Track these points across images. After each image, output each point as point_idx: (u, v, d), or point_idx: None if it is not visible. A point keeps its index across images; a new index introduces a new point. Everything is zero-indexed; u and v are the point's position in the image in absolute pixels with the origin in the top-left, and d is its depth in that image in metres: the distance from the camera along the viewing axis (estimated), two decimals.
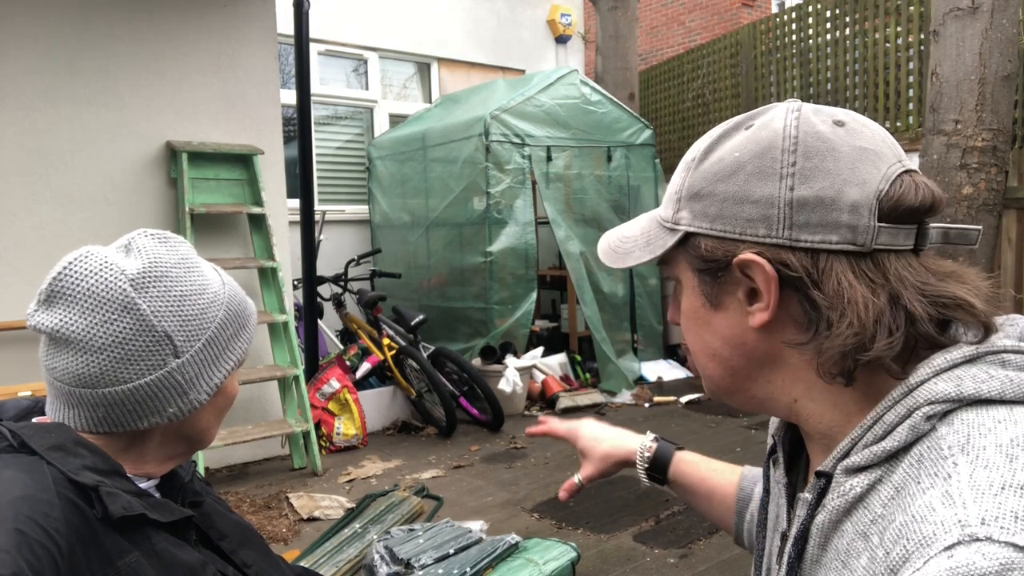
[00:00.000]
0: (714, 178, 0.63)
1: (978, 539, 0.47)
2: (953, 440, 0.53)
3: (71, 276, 0.83)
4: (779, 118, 0.62)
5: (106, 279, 0.83)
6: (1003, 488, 0.49)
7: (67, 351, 0.83)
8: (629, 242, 0.71)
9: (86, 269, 0.83)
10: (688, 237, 0.65)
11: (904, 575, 0.50)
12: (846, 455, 0.60)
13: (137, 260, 0.86)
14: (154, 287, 0.85)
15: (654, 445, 1.09)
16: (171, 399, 0.87)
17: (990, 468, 0.50)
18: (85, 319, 0.82)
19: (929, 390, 0.56)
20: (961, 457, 0.52)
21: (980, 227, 0.62)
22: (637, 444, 1.09)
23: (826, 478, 0.61)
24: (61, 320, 0.82)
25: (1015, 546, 0.46)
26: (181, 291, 0.87)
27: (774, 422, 0.82)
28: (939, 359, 0.58)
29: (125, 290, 0.83)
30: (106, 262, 0.84)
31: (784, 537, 0.69)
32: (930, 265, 0.60)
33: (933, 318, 0.58)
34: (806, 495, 0.63)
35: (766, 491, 0.77)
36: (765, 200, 0.60)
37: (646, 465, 1.07)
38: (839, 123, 0.61)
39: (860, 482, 0.57)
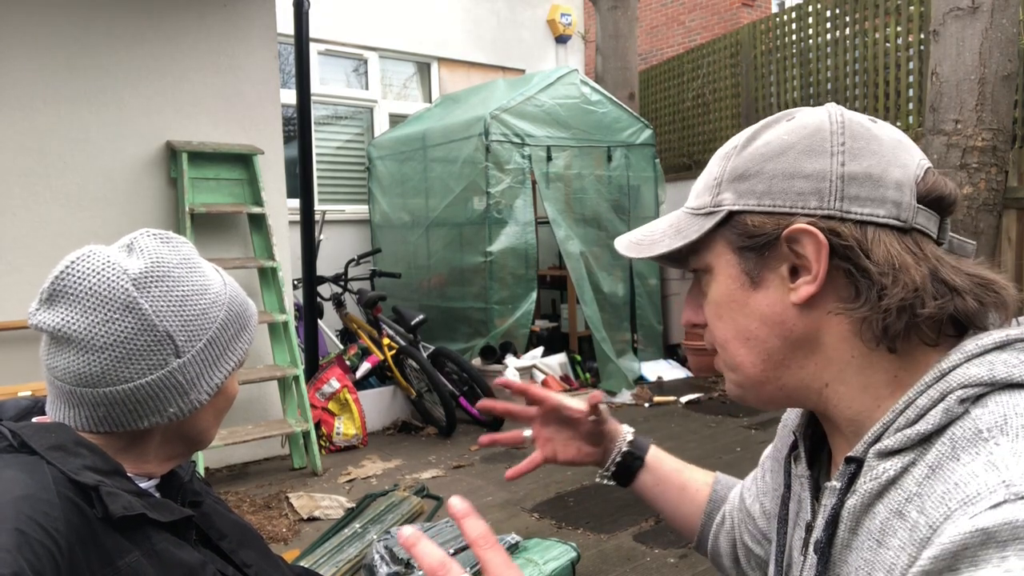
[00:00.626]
0: (762, 159, 0.65)
1: (1022, 496, 0.49)
2: (990, 420, 0.55)
3: (73, 275, 0.83)
4: (821, 111, 0.66)
5: (108, 278, 0.83)
6: None
7: (68, 350, 0.83)
8: (656, 234, 0.72)
9: (88, 268, 0.83)
10: (730, 217, 0.66)
11: (948, 529, 0.51)
12: (877, 439, 0.61)
13: (139, 260, 0.86)
14: (156, 287, 0.85)
15: (632, 433, 1.10)
16: (172, 399, 0.87)
17: None
18: (87, 318, 0.82)
19: (963, 374, 0.58)
20: (1002, 437, 0.54)
21: (974, 244, 0.66)
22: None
23: (856, 464, 0.62)
24: (63, 319, 0.82)
25: None
26: (183, 291, 0.87)
27: (789, 420, 0.83)
28: (970, 345, 0.60)
29: (127, 289, 0.83)
30: (108, 261, 0.84)
31: (809, 528, 0.69)
32: (949, 258, 0.64)
33: (973, 293, 0.61)
34: (834, 483, 0.64)
35: (787, 487, 0.77)
36: (817, 174, 0.63)
37: (624, 448, 1.06)
38: (873, 120, 0.66)
39: (894, 465, 0.59)
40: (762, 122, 0.69)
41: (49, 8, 3.64)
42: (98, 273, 0.83)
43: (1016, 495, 0.49)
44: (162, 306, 0.85)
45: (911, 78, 5.45)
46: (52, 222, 3.67)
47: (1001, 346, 0.59)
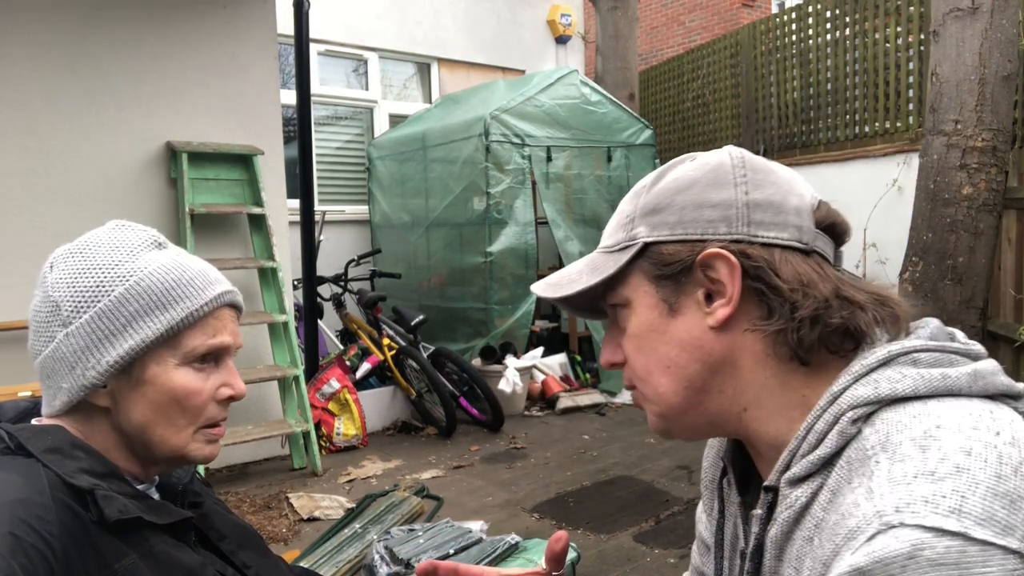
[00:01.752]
0: (672, 192, 0.69)
1: (892, 526, 0.51)
2: (875, 439, 0.58)
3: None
4: (721, 151, 0.71)
5: (47, 260, 0.90)
6: (915, 477, 0.52)
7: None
8: (573, 274, 0.75)
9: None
10: (646, 248, 0.69)
11: (836, 568, 0.53)
12: (787, 467, 0.64)
13: (74, 242, 0.90)
14: (65, 262, 0.88)
15: None
16: (63, 373, 0.85)
17: (904, 460, 0.54)
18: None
19: (851, 395, 0.61)
20: (882, 454, 0.56)
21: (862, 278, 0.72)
22: None
23: (773, 492, 0.65)
24: None
25: (924, 527, 0.49)
26: (85, 265, 0.87)
27: (716, 443, 0.85)
28: (856, 366, 0.62)
29: (46, 266, 0.89)
30: (58, 248, 0.91)
31: (743, 555, 0.71)
32: (849, 277, 0.69)
33: (872, 308, 0.64)
34: (757, 511, 0.66)
35: (721, 512, 0.79)
36: (724, 203, 0.67)
37: None
38: (767, 159, 0.71)
39: (803, 492, 0.61)
40: (666, 164, 0.73)
41: (49, 8, 3.64)
42: (49, 258, 0.90)
43: (887, 524, 0.51)
44: (59, 278, 0.87)
45: (911, 78, 5.45)
46: (52, 222, 3.67)
47: (885, 362, 0.62)
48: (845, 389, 0.61)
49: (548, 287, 0.76)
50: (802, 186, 0.69)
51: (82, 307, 0.85)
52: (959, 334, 0.66)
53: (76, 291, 0.85)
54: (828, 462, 0.60)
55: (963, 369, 0.61)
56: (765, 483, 0.65)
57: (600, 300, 0.74)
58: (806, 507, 0.61)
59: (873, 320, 0.64)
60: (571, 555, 2.33)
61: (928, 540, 0.49)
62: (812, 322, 0.63)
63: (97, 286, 0.85)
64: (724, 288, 0.66)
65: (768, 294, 0.65)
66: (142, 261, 0.88)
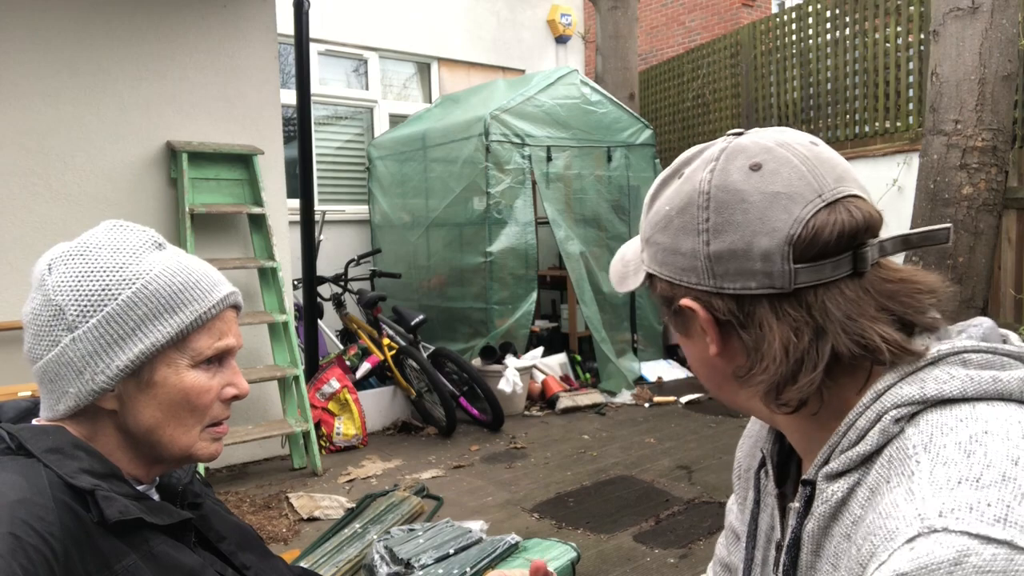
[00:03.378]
0: (655, 228, 0.69)
1: (936, 530, 0.50)
2: (918, 440, 0.57)
3: (34, 266, 0.90)
4: (700, 169, 0.66)
5: (40, 262, 0.88)
6: (959, 482, 0.52)
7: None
8: (627, 266, 0.76)
9: (41, 256, 0.90)
10: (648, 276, 0.71)
11: (871, 568, 0.53)
12: (826, 462, 0.63)
13: (70, 243, 0.89)
14: (65, 265, 0.86)
15: None
16: (69, 378, 0.85)
17: (948, 464, 0.53)
18: (27, 301, 0.89)
19: (895, 394, 0.60)
20: (924, 455, 0.55)
21: (949, 226, 0.65)
22: None
23: (811, 486, 0.64)
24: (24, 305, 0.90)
25: (969, 534, 0.49)
26: (88, 268, 0.86)
27: (753, 432, 0.86)
28: (904, 364, 0.61)
29: (43, 269, 0.87)
30: (51, 249, 0.89)
31: (779, 547, 0.70)
32: (875, 283, 0.62)
33: (856, 356, 0.61)
34: (795, 504, 0.66)
35: (756, 502, 0.79)
36: (690, 253, 0.65)
37: None
38: (755, 167, 0.63)
39: (840, 487, 0.61)
40: (666, 172, 0.71)
41: (49, 8, 3.64)
42: (40, 259, 0.89)
43: (929, 528, 0.50)
44: (61, 281, 0.85)
45: (911, 78, 5.45)
46: (52, 222, 3.67)
47: (934, 361, 0.60)
48: (890, 387, 0.60)
49: (614, 276, 0.78)
50: (781, 212, 0.61)
51: (88, 311, 0.84)
52: (1013, 336, 0.64)
53: (81, 295, 0.84)
54: (867, 459, 0.60)
55: (1015, 373, 0.59)
56: (803, 477, 0.65)
57: None
58: (843, 503, 0.60)
59: (891, 346, 0.60)
60: (571, 555, 2.33)
61: (974, 547, 0.48)
62: (774, 387, 0.63)
63: (103, 290, 0.85)
64: (705, 330, 0.67)
65: (742, 343, 0.65)
66: (146, 263, 0.87)
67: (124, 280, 0.85)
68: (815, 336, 0.61)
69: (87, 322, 0.84)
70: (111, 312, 0.84)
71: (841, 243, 0.61)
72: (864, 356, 0.61)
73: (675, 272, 0.67)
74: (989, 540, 0.48)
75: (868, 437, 0.59)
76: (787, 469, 0.76)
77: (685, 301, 0.66)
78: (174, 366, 0.87)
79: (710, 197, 0.64)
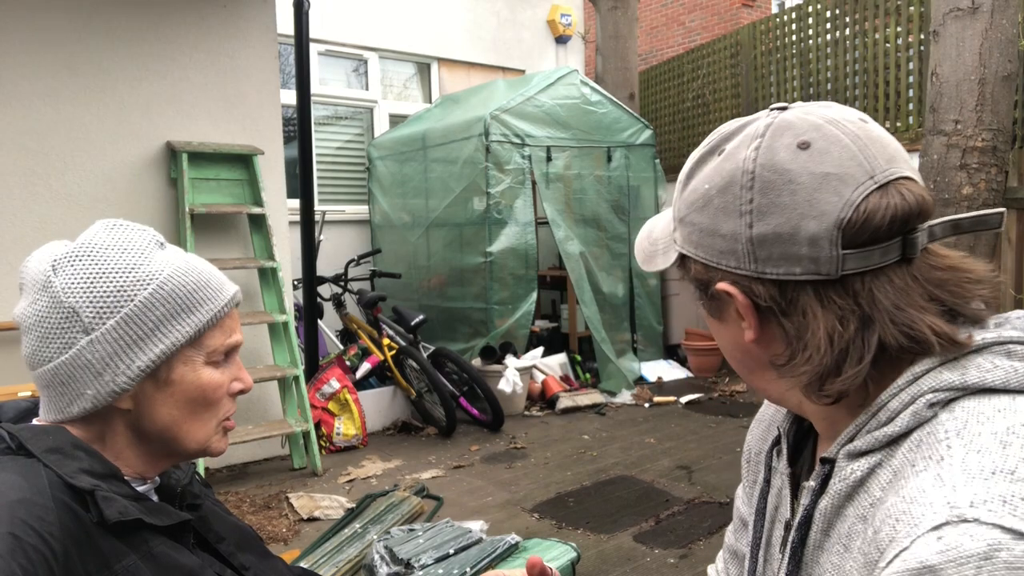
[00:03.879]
0: (691, 207, 0.65)
1: (966, 520, 0.48)
2: (951, 425, 0.55)
3: (25, 266, 0.89)
4: (744, 146, 0.62)
5: (38, 263, 0.87)
6: (993, 473, 0.50)
7: (22, 336, 0.88)
8: (655, 244, 0.73)
9: (32, 257, 0.88)
10: (683, 256, 0.68)
11: (891, 553, 0.50)
12: (850, 440, 0.61)
13: (71, 244, 0.88)
14: (72, 266, 0.85)
15: None
16: (87, 380, 0.84)
17: (982, 453, 0.51)
18: (23, 303, 0.87)
19: (934, 378, 0.58)
20: (956, 440, 0.53)
21: (1003, 210, 0.62)
22: None
23: (830, 464, 0.62)
24: (17, 308, 0.88)
25: (1002, 528, 0.47)
26: (99, 269, 0.85)
27: (768, 415, 0.84)
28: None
29: (46, 270, 0.86)
30: (46, 249, 0.88)
31: (788, 526, 0.70)
32: (924, 270, 0.60)
33: (903, 348, 0.59)
34: (810, 483, 0.64)
35: (766, 481, 0.77)
36: (731, 235, 0.62)
37: None
38: (804, 145, 0.60)
39: (861, 466, 0.59)
40: (703, 149, 0.67)
41: (49, 8, 3.64)
42: (35, 260, 0.87)
43: (959, 517, 0.48)
44: (71, 283, 0.84)
45: (911, 78, 5.45)
46: (52, 222, 3.67)
47: (977, 350, 0.58)
48: (929, 371, 0.58)
49: (641, 253, 0.75)
50: (831, 194, 0.58)
51: (105, 313, 0.84)
52: None
53: (96, 296, 0.84)
54: (894, 441, 0.58)
55: None
56: (823, 455, 0.63)
57: None
58: (861, 483, 0.59)
59: (941, 339, 0.58)
60: (571, 555, 2.33)
61: (1006, 542, 0.46)
62: (818, 378, 0.60)
63: (118, 291, 0.85)
64: (743, 317, 0.64)
65: (782, 331, 0.62)
66: (156, 263, 0.88)
67: (139, 281, 0.86)
68: (861, 326, 0.58)
69: (104, 324, 0.84)
70: (129, 313, 0.85)
71: (893, 228, 0.58)
72: (912, 348, 0.58)
73: (712, 255, 0.63)
74: (1021, 536, 0.46)
75: (899, 419, 0.58)
76: (800, 451, 0.75)
77: (722, 285, 0.63)
78: (191, 364, 0.89)
79: (755, 177, 0.60)
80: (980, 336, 0.59)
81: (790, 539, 0.65)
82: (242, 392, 0.96)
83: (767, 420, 0.85)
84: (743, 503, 0.88)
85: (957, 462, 0.52)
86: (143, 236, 0.91)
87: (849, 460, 0.60)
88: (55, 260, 0.86)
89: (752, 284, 0.61)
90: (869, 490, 0.58)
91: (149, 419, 0.88)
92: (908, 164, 0.61)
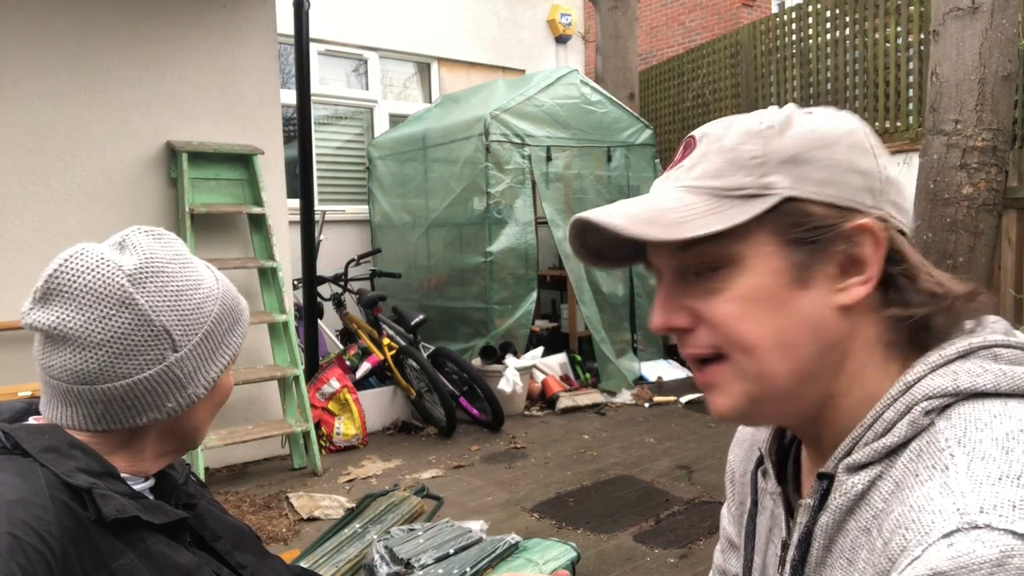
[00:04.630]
0: (812, 145, 0.60)
1: (977, 527, 0.47)
2: (951, 433, 0.54)
3: (67, 273, 0.83)
4: (832, 114, 0.64)
5: (103, 275, 0.83)
6: (1000, 478, 0.49)
7: (65, 348, 0.83)
8: (677, 211, 0.61)
9: (82, 265, 0.84)
10: (783, 203, 0.59)
11: (903, 563, 0.50)
12: (848, 454, 0.60)
13: (133, 256, 0.87)
14: (151, 282, 0.86)
15: None
16: (170, 393, 0.87)
17: (987, 459, 0.51)
18: (83, 315, 0.82)
19: (927, 385, 0.58)
20: (958, 449, 0.53)
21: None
22: None
23: (828, 479, 0.62)
24: (58, 317, 0.82)
25: (1014, 533, 0.46)
26: (177, 286, 0.88)
27: (745, 436, 0.83)
28: (934, 356, 0.59)
29: (123, 285, 0.84)
30: (102, 258, 0.85)
31: (785, 545, 0.68)
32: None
33: (927, 303, 0.61)
34: (808, 500, 0.63)
35: (754, 503, 0.76)
36: (869, 172, 0.61)
37: None
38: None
39: (861, 479, 0.58)
40: (782, 111, 0.63)
41: (49, 8, 3.64)
42: (92, 270, 0.83)
43: (969, 524, 0.48)
44: (157, 301, 0.86)
45: (911, 78, 5.45)
46: (52, 222, 3.67)
47: (965, 354, 0.59)
48: (920, 379, 0.58)
49: (657, 227, 0.61)
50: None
51: (191, 330, 0.89)
52: (1020, 334, 0.63)
53: (182, 315, 0.88)
54: (893, 452, 0.57)
55: None
56: (821, 470, 0.62)
57: (663, 249, 0.64)
58: (862, 496, 0.58)
59: (967, 312, 0.62)
60: (571, 555, 2.33)
61: (1018, 547, 0.46)
62: (929, 303, 0.61)
63: (197, 308, 0.90)
64: (864, 265, 0.60)
65: (900, 278, 0.61)
66: (207, 276, 0.94)
67: (209, 297, 0.92)
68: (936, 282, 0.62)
69: (191, 340, 0.89)
70: (209, 330, 0.91)
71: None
72: (937, 301, 0.61)
73: (848, 192, 0.60)
74: None
75: (896, 429, 0.57)
76: (785, 469, 0.74)
77: (864, 221, 0.59)
78: (228, 370, 0.96)
79: (867, 132, 0.63)
80: (966, 341, 0.59)
81: (789, 558, 0.65)
82: None
83: (748, 441, 0.83)
84: (729, 523, 0.87)
85: (963, 469, 0.51)
86: (184, 246, 0.94)
87: (849, 474, 0.59)
88: (129, 275, 0.85)
89: (887, 225, 0.61)
90: (871, 502, 0.57)
91: (187, 421, 0.93)
92: None
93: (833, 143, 0.60)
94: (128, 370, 0.84)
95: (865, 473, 0.58)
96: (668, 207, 0.62)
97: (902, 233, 0.62)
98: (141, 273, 0.85)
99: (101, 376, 0.83)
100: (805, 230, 0.59)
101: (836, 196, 0.59)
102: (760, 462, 0.76)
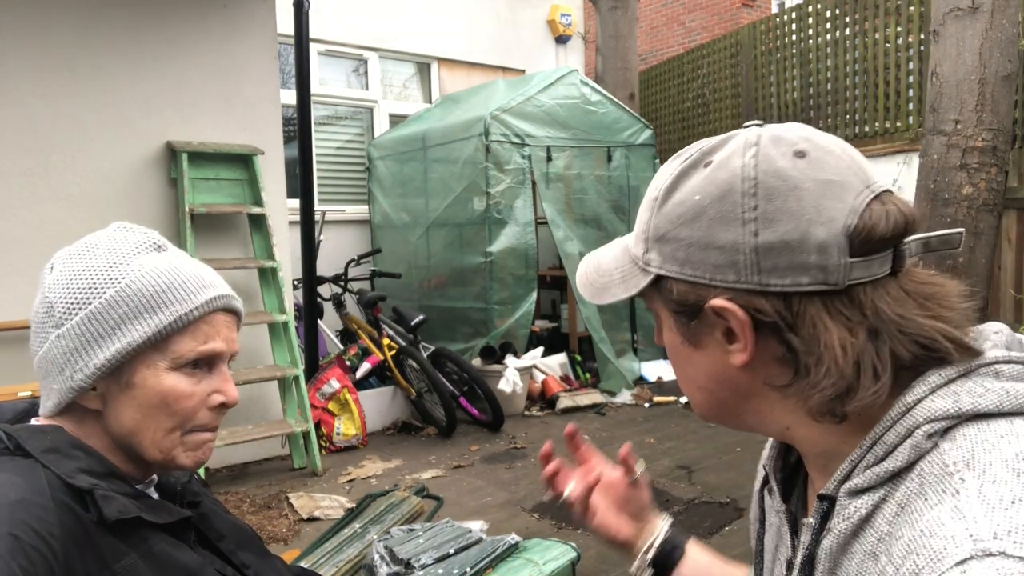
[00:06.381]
0: (677, 221, 0.61)
1: (991, 554, 0.46)
2: (958, 456, 0.53)
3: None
4: (737, 155, 0.60)
5: (49, 263, 0.90)
6: (1013, 502, 0.48)
7: None
8: (606, 276, 0.70)
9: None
10: (660, 279, 0.64)
11: None
12: (847, 477, 0.59)
13: (76, 243, 0.90)
14: (63, 264, 0.88)
15: (669, 523, 1.00)
16: (54, 375, 0.86)
17: (998, 483, 0.50)
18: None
19: (928, 408, 0.56)
20: (968, 472, 0.52)
21: (962, 230, 0.62)
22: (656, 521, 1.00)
23: (829, 501, 0.61)
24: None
25: None
26: (82, 266, 0.86)
27: (764, 451, 0.81)
28: (933, 376, 0.57)
29: (47, 267, 0.89)
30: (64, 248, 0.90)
31: (790, 565, 0.68)
32: (909, 285, 0.59)
33: (917, 356, 0.57)
34: (810, 520, 0.62)
35: (760, 521, 0.76)
36: (730, 246, 0.58)
37: (664, 535, 0.98)
38: (800, 154, 0.58)
39: (864, 503, 0.57)
40: (681, 164, 0.64)
41: (49, 8, 3.64)
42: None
43: (983, 551, 0.47)
44: (57, 279, 0.87)
45: (911, 78, 5.46)
46: (52, 222, 3.67)
47: (965, 374, 0.57)
48: (920, 400, 0.56)
49: (589, 287, 0.71)
50: (835, 200, 0.57)
51: (74, 308, 0.84)
52: None
53: (70, 292, 0.85)
54: (895, 475, 0.56)
55: None
56: (820, 492, 0.61)
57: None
58: (866, 519, 0.57)
59: (956, 344, 0.57)
60: (571, 555, 2.33)
61: None
62: (834, 397, 0.57)
63: (90, 288, 0.85)
64: (736, 337, 0.60)
65: (785, 348, 0.59)
66: (136, 263, 0.86)
67: (111, 279, 0.85)
68: (869, 337, 0.57)
69: (72, 319, 0.84)
70: (93, 310, 0.84)
71: (894, 238, 0.57)
72: (925, 357, 0.57)
73: (705, 270, 0.59)
74: None
75: (898, 452, 0.56)
76: (792, 485, 0.73)
77: (717, 302, 0.59)
78: (153, 368, 0.86)
79: (757, 183, 0.57)
80: (965, 360, 0.58)
81: None
82: (224, 406, 0.91)
83: (766, 451, 0.82)
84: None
85: (973, 493, 0.50)
86: (139, 237, 0.90)
87: (851, 498, 0.58)
88: (56, 258, 0.89)
89: (753, 299, 0.58)
90: (875, 525, 0.56)
91: (116, 422, 0.86)
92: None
93: (697, 216, 0.60)
94: (35, 347, 0.88)
95: (868, 497, 0.57)
96: (605, 267, 0.70)
97: (809, 292, 0.57)
98: (64, 255, 0.89)
99: (31, 351, 0.89)
100: (677, 304, 0.63)
101: (694, 275, 0.61)
102: (766, 480, 0.75)
